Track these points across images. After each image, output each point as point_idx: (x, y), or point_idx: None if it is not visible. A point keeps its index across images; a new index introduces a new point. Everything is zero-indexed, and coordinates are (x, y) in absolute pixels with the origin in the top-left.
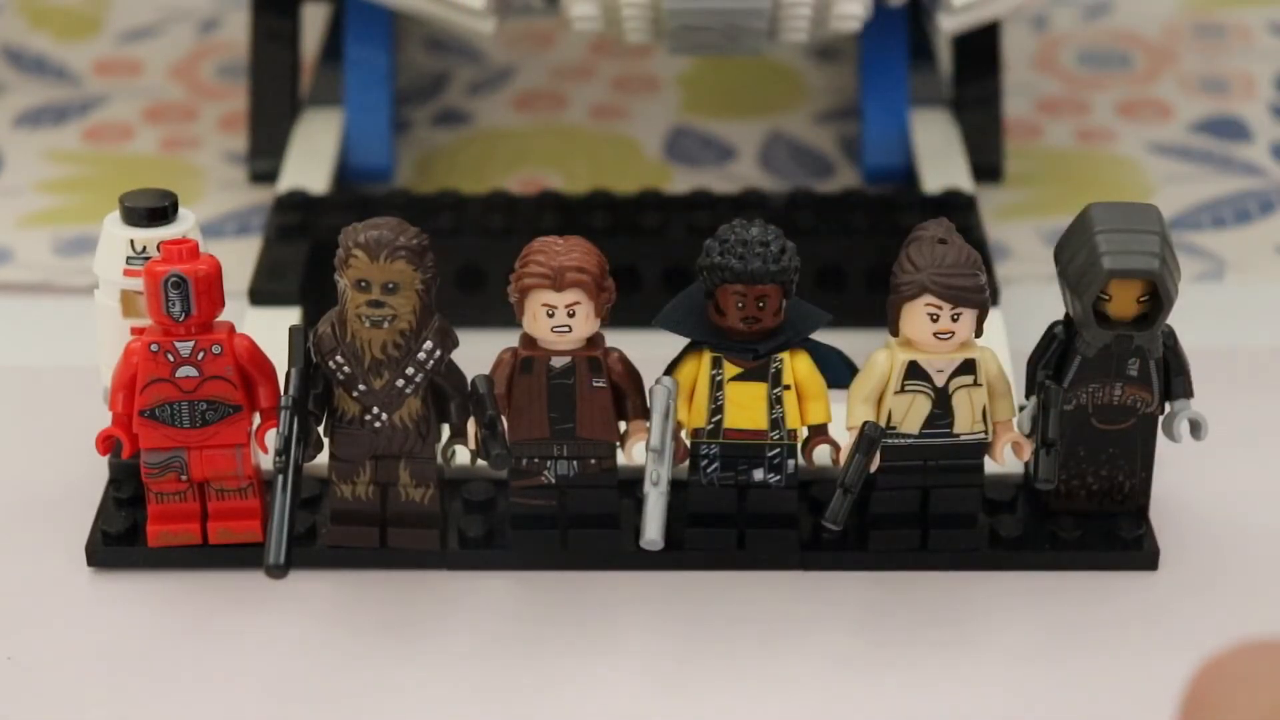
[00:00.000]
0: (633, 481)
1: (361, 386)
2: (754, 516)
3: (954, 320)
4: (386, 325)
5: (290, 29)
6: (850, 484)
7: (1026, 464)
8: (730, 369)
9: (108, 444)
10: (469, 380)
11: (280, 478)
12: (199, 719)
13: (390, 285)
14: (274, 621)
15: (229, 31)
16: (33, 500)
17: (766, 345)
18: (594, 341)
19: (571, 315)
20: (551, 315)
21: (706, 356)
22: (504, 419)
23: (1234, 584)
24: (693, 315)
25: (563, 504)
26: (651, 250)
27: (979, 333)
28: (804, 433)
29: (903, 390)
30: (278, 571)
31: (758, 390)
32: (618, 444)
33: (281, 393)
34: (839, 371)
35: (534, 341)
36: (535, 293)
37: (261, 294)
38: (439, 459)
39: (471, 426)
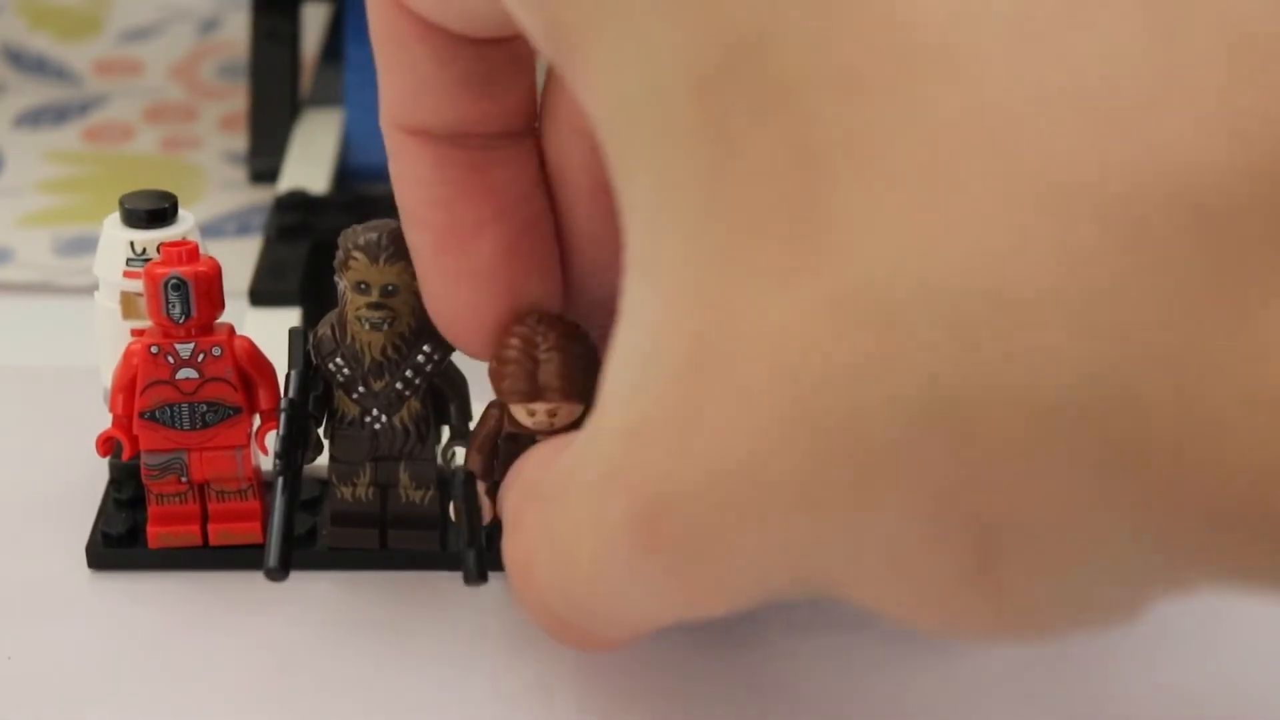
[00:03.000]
0: None
1: (361, 388)
2: None
3: None
4: (386, 327)
5: (290, 29)
6: None
7: None
8: None
9: (108, 445)
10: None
11: (280, 479)
12: (199, 719)
13: (390, 288)
14: (274, 622)
15: (229, 31)
16: (33, 500)
17: None
18: None
19: (553, 415)
20: (533, 415)
21: None
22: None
23: None
24: None
25: None
26: None
27: None
28: None
29: None
30: (277, 573)
31: None
32: None
33: (281, 395)
34: None
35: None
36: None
37: (261, 294)
38: (439, 460)
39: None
